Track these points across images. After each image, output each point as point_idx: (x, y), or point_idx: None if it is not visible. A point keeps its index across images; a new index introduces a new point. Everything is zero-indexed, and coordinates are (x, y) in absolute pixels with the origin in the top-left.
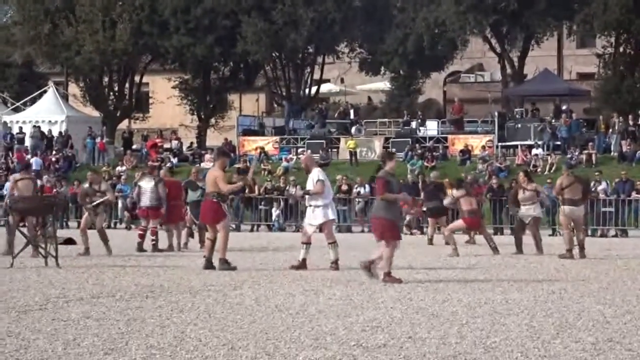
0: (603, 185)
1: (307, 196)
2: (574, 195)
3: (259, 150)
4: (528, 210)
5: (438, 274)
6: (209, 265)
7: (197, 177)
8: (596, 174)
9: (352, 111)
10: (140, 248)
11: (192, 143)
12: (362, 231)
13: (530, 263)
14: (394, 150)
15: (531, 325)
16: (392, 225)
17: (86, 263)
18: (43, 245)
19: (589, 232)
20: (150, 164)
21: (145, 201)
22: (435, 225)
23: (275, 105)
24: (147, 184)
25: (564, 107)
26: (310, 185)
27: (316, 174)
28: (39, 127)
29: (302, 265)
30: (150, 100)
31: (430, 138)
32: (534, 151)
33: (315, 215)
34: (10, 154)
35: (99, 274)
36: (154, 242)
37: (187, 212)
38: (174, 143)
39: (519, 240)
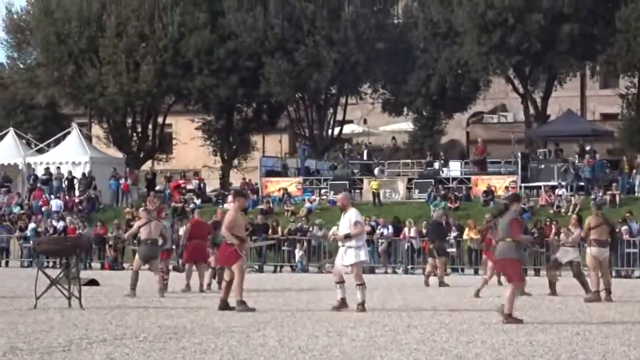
0: (627, 225)
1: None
2: (601, 236)
3: (282, 191)
4: (567, 253)
5: (462, 316)
6: (224, 306)
7: (223, 217)
8: (627, 214)
9: (365, 152)
10: (165, 287)
11: (220, 181)
12: (385, 272)
13: (554, 304)
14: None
15: None
16: (520, 266)
17: (109, 304)
18: (66, 287)
19: (613, 273)
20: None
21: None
22: (435, 265)
23: (298, 146)
24: (157, 225)
25: (587, 148)
26: (345, 225)
27: (354, 214)
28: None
29: (343, 304)
30: (174, 142)
31: (454, 179)
32: (558, 192)
33: (347, 255)
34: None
35: (123, 315)
36: (165, 282)
37: (212, 253)
38: (196, 183)
39: (553, 280)
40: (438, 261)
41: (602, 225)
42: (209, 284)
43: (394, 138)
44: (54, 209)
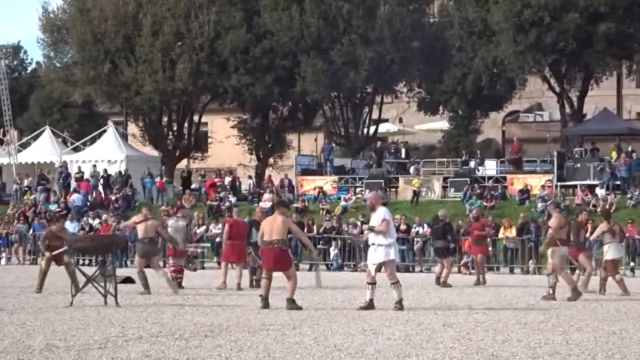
0: None
1: (370, 235)
2: (564, 236)
3: (317, 190)
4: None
5: (497, 315)
6: (266, 304)
7: (261, 217)
8: None
9: (403, 150)
10: (179, 285)
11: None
12: (421, 271)
13: (590, 303)
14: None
15: None
16: None
17: (145, 302)
18: (102, 284)
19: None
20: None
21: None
22: (444, 265)
23: (334, 145)
24: (174, 224)
25: (629, 148)
26: (375, 223)
27: (382, 212)
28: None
29: (370, 305)
30: (209, 140)
31: (489, 178)
32: (594, 191)
33: (377, 254)
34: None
35: (158, 313)
36: (179, 280)
37: (250, 252)
38: (227, 179)
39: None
40: (445, 261)
41: (565, 225)
42: (251, 281)
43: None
44: (76, 203)
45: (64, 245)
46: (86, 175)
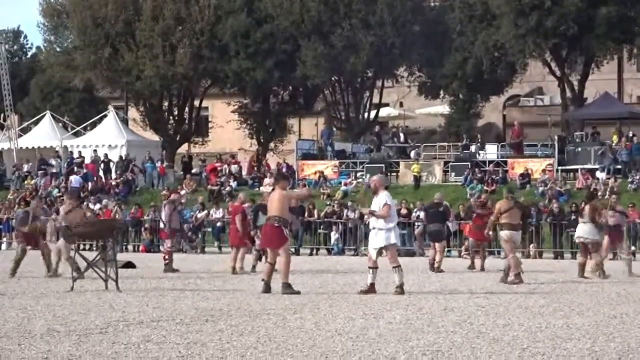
0: None
1: (371, 219)
2: (512, 219)
3: (318, 174)
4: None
5: (499, 299)
6: (267, 288)
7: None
8: None
9: (402, 134)
10: (170, 268)
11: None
12: (422, 255)
13: (591, 287)
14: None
15: (593, 350)
16: None
17: (146, 286)
18: (103, 269)
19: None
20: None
21: (173, 223)
22: (437, 250)
23: (334, 129)
24: (169, 208)
25: (629, 132)
26: (376, 207)
27: (384, 197)
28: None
29: (371, 289)
30: (210, 125)
31: (490, 162)
32: (595, 175)
33: (377, 238)
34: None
35: (159, 298)
36: (167, 262)
37: (257, 236)
38: (234, 167)
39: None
40: (438, 246)
41: (513, 209)
42: (254, 266)
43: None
44: (73, 184)
45: (41, 226)
46: (87, 161)
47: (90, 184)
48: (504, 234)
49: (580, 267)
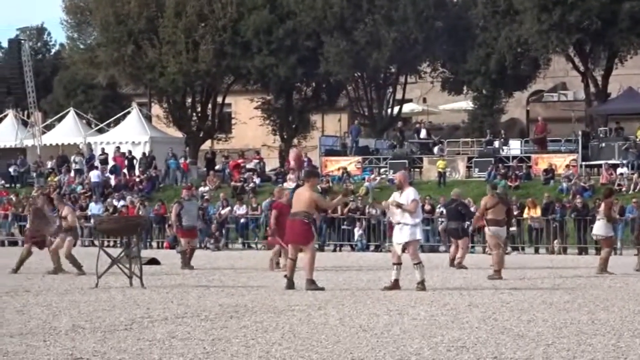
0: None
1: (396, 215)
2: (497, 215)
3: (341, 171)
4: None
5: (523, 295)
6: (290, 285)
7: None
8: None
9: (424, 130)
10: (186, 265)
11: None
12: (446, 251)
13: (616, 283)
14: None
15: (618, 345)
16: None
17: (170, 283)
18: (127, 266)
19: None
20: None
21: (186, 222)
22: (460, 246)
23: (349, 126)
24: (189, 206)
25: None
26: (403, 202)
27: (412, 192)
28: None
29: (395, 285)
30: (233, 121)
31: (514, 157)
32: (619, 170)
33: (402, 233)
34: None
35: (184, 294)
36: (184, 259)
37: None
38: (256, 163)
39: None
40: (461, 242)
41: (498, 204)
42: (277, 262)
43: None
44: (93, 180)
45: (48, 226)
46: (110, 157)
47: (114, 178)
48: (489, 229)
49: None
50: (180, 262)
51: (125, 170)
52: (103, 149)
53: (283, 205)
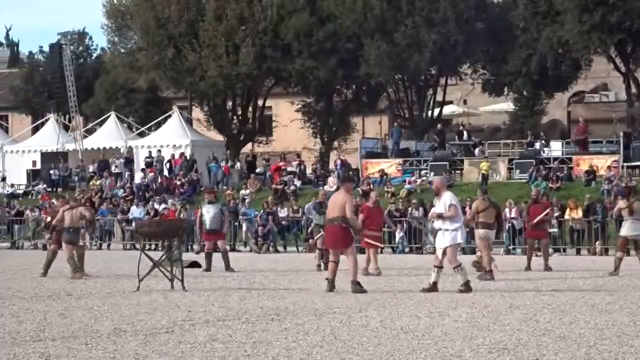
0: None
1: (437, 221)
2: (488, 219)
3: (381, 173)
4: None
5: (564, 296)
6: (331, 287)
7: (324, 199)
8: None
9: (465, 132)
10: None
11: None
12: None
13: None
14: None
15: None
16: None
17: (211, 286)
18: (169, 269)
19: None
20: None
21: (208, 225)
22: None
23: (391, 129)
24: (210, 209)
25: None
26: (441, 209)
27: (448, 197)
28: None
29: (433, 288)
30: (274, 124)
31: (555, 159)
32: None
33: (444, 238)
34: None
35: (225, 297)
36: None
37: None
38: (297, 165)
39: None
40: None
41: (488, 208)
42: (318, 265)
43: None
44: (136, 181)
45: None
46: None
47: (155, 182)
48: (479, 232)
49: None
50: (223, 265)
51: (166, 174)
52: (150, 152)
53: (370, 208)
